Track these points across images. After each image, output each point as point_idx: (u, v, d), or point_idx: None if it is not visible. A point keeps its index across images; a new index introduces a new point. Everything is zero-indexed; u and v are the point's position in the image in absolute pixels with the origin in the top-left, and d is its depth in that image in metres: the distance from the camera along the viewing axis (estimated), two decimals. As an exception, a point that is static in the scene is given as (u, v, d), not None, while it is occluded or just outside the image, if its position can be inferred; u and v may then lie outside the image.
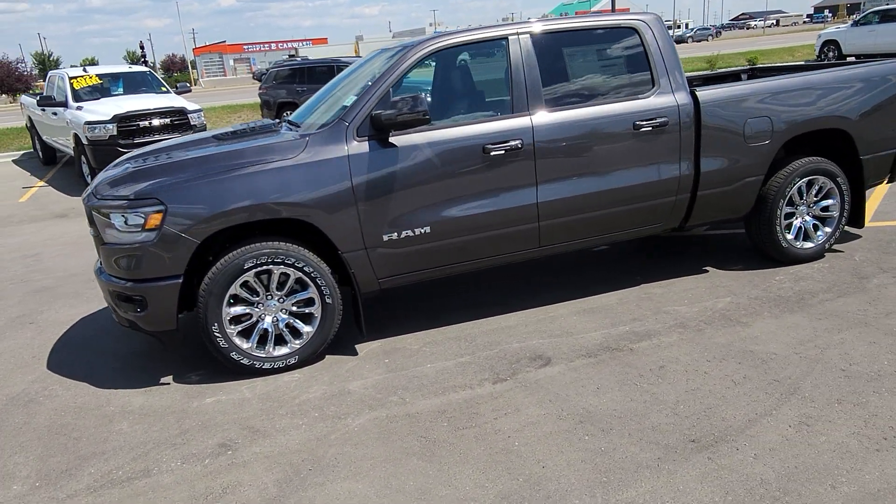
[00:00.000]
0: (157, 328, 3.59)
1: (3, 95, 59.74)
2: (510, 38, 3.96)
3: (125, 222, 3.44)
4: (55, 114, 11.13)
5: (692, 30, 68.44)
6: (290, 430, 3.11)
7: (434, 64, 4.14)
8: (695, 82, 6.03)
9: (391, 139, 3.68)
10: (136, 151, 4.22)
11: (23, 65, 67.18)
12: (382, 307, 4.60)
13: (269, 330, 3.69)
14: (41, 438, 3.23)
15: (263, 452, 2.95)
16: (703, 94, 4.27)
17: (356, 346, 4.00)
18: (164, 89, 11.70)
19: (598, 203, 4.11)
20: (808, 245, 4.73)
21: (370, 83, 3.81)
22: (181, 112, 10.30)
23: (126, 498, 2.71)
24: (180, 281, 3.47)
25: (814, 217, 4.75)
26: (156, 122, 9.95)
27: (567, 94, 4.12)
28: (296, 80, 14.34)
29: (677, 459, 2.66)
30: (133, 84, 11.57)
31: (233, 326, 3.60)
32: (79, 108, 10.33)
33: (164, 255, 3.42)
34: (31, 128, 13.51)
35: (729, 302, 4.17)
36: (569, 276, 4.90)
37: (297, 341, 3.73)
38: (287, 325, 3.72)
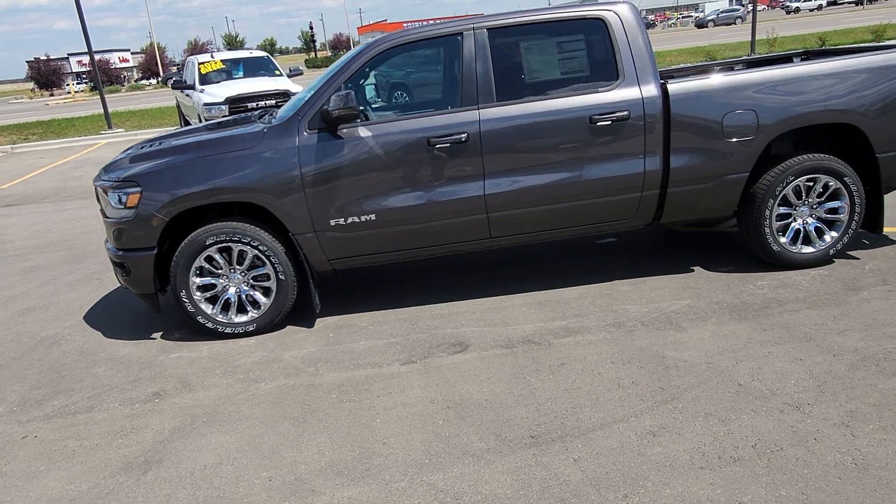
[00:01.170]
0: (139, 291, 4.23)
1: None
2: (465, 33, 4.07)
3: (118, 200, 4.09)
4: (188, 95, 12.61)
5: (715, 11, 58.30)
6: (212, 388, 3.59)
7: (390, 61, 4.32)
8: (736, 67, 5.66)
9: (340, 132, 3.98)
10: (148, 138, 4.88)
11: (212, 46, 74.71)
12: (357, 285, 4.96)
13: (232, 299, 4.20)
14: (41, 373, 3.99)
15: (180, 403, 3.46)
16: (674, 86, 4.09)
17: (318, 319, 4.39)
18: (277, 73, 12.78)
19: (551, 197, 4.12)
20: (809, 250, 4.37)
21: (327, 79, 4.13)
22: (285, 94, 11.25)
23: (64, 426, 3.34)
24: (154, 252, 4.06)
25: (818, 220, 4.37)
26: (262, 103, 10.96)
27: (521, 88, 4.16)
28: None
29: (504, 452, 2.77)
30: (252, 68, 12.77)
31: (200, 293, 4.14)
32: (201, 91, 11.64)
33: (140, 230, 4.02)
34: (178, 107, 15.37)
35: (685, 304, 4.02)
36: (550, 266, 4.93)
37: (256, 311, 4.20)
38: (248, 297, 4.20)
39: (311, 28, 58.86)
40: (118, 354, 4.17)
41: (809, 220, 4.37)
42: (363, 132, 3.99)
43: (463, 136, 3.98)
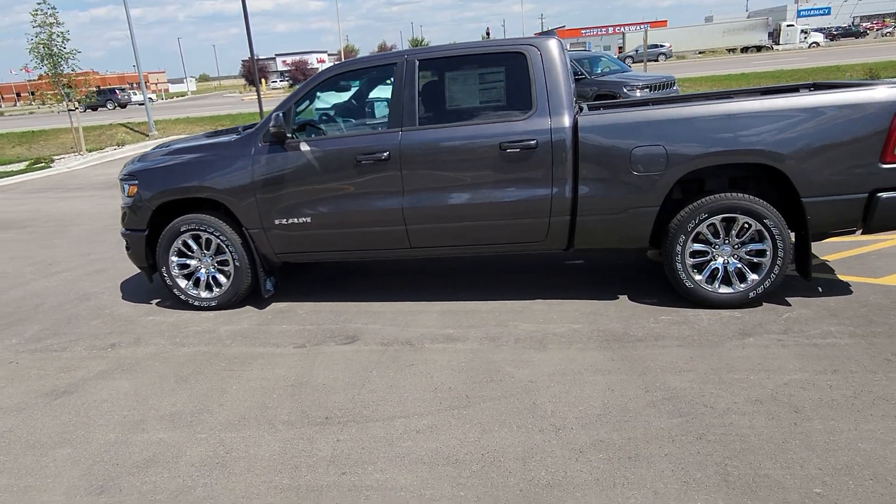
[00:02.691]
0: (138, 263, 5.24)
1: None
2: (398, 63, 4.56)
3: (124, 190, 5.12)
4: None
5: (636, 49, 47.20)
6: (151, 346, 4.46)
7: (338, 85, 4.91)
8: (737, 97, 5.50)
9: (287, 145, 4.67)
10: (171, 139, 5.92)
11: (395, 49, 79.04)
12: (332, 277, 5.62)
13: (202, 278, 5.06)
14: (59, 319, 5.14)
15: (120, 354, 4.36)
16: (584, 119, 4.26)
17: (274, 302, 5.13)
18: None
19: (464, 215, 4.48)
20: (726, 290, 4.29)
21: (284, 99, 4.83)
22: (385, 102, 12.21)
23: (40, 359, 4.38)
24: (145, 233, 5.03)
25: (741, 261, 4.27)
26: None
27: (442, 114, 4.56)
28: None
29: (295, 425, 3.27)
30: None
31: (178, 270, 5.06)
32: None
33: (136, 215, 5.02)
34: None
35: (571, 328, 4.19)
36: (499, 278, 5.25)
37: (218, 290, 5.04)
38: (213, 278, 5.05)
39: (488, 33, 60.49)
40: (117, 312, 5.22)
41: (732, 259, 4.28)
42: (304, 147, 4.64)
43: (384, 154, 4.48)
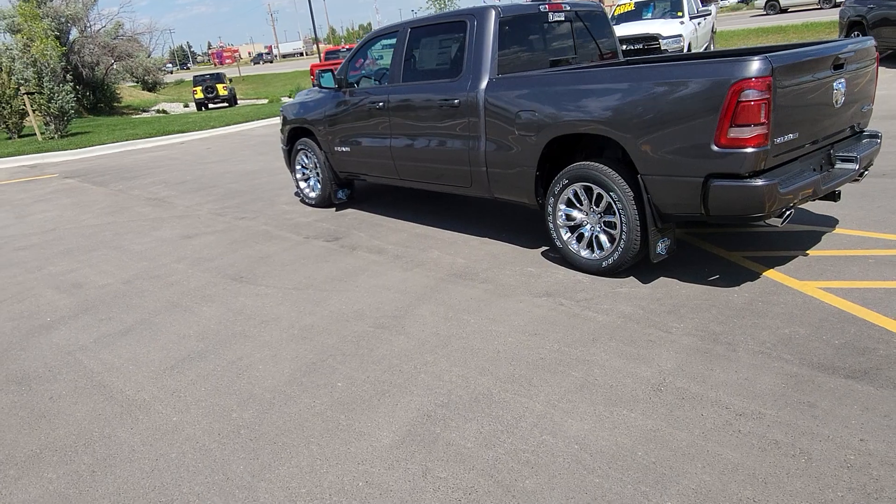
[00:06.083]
0: (288, 167, 7.68)
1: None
2: (399, 31, 5.70)
3: (279, 119, 7.54)
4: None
5: None
6: (253, 223, 6.87)
7: (374, 47, 6.16)
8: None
9: (343, 93, 6.35)
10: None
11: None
12: (403, 197, 7.16)
13: (311, 183, 7.24)
14: (251, 199, 8.01)
15: (236, 223, 6.89)
16: (490, 83, 4.81)
17: (348, 209, 7.01)
18: (679, 14, 13.19)
19: (420, 157, 5.55)
20: (587, 255, 4.48)
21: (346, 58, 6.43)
22: (653, 38, 12.06)
23: (210, 217, 7.23)
24: (287, 148, 7.39)
25: (602, 230, 4.39)
26: (626, 46, 12.14)
27: (416, 73, 5.55)
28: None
29: (226, 275, 5.23)
30: (662, 10, 13.54)
31: (299, 175, 7.33)
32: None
33: (284, 135, 7.40)
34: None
35: (452, 261, 5.01)
36: (491, 217, 6.06)
37: (315, 194, 7.15)
38: (314, 184, 7.17)
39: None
40: (278, 200, 7.82)
41: (597, 227, 4.41)
42: (347, 95, 6.25)
43: (380, 104, 5.79)
